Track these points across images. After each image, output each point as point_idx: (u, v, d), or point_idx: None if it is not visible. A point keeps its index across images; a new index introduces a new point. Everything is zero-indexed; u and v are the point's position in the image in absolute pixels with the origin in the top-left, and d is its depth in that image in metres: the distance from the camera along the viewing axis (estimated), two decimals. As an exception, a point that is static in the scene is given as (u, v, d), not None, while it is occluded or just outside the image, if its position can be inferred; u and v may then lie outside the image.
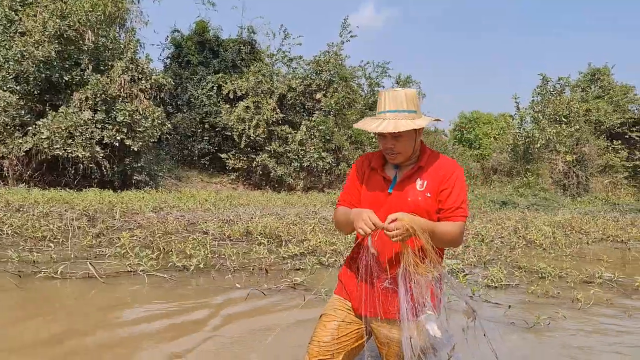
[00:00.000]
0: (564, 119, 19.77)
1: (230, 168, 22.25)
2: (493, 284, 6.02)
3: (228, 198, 15.08)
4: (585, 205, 18.06)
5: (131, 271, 5.79)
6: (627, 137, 24.74)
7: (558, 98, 20.27)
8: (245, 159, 22.04)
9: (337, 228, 2.76)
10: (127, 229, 8.81)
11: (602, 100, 25.30)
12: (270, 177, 21.63)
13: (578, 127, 20.15)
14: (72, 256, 6.35)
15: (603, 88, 26.13)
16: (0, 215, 8.77)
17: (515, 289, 6.05)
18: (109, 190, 15.39)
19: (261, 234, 8.50)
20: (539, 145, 19.45)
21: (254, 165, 21.77)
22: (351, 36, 23.06)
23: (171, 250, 6.95)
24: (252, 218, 10.61)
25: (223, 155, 22.20)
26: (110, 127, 16.05)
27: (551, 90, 20.62)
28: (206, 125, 22.53)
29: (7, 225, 7.93)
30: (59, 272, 5.37)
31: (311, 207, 14.05)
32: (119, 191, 15.49)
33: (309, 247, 7.60)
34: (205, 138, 22.68)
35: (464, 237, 9.71)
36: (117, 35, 18.26)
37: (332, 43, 23.15)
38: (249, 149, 21.93)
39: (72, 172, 16.12)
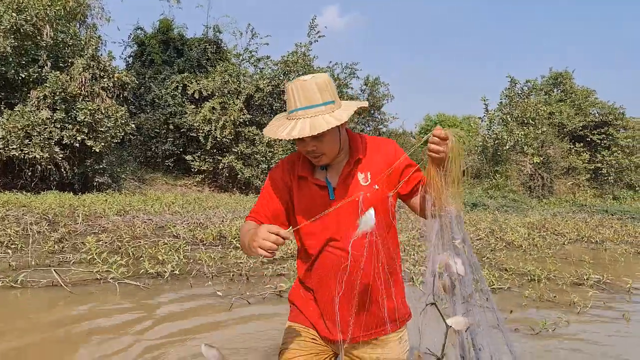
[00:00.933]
0: (531, 122, 19.95)
1: (196, 170, 21.59)
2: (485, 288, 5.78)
3: (196, 201, 14.55)
4: (552, 207, 18.22)
5: (100, 279, 5.32)
6: (589, 139, 25.23)
7: (525, 100, 20.46)
8: (211, 160, 21.43)
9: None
10: (92, 233, 8.26)
11: (564, 104, 25.75)
12: (238, 179, 21.12)
13: (544, 129, 20.36)
14: (32, 263, 5.82)
15: (565, 92, 26.60)
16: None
17: (509, 293, 5.83)
18: (69, 193, 14.65)
19: (236, 237, 8.08)
20: (507, 147, 19.55)
21: (220, 167, 21.20)
22: (319, 36, 22.81)
23: (142, 256, 6.48)
24: (223, 221, 10.17)
25: (188, 157, 21.54)
26: (70, 126, 15.28)
27: (519, 92, 20.82)
28: (171, 126, 21.81)
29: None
30: (19, 281, 4.86)
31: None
32: (79, 194, 14.77)
33: (288, 252, 7.24)
34: (169, 139, 21.94)
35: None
36: (78, 31, 17.50)
37: (300, 43, 22.85)
38: (215, 151, 21.35)
39: (29, 174, 15.28)
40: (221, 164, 21.05)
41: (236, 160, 20.88)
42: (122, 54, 26.32)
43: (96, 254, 6.06)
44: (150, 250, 6.81)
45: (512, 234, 10.26)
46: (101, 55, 16.99)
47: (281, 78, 22.11)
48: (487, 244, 9.25)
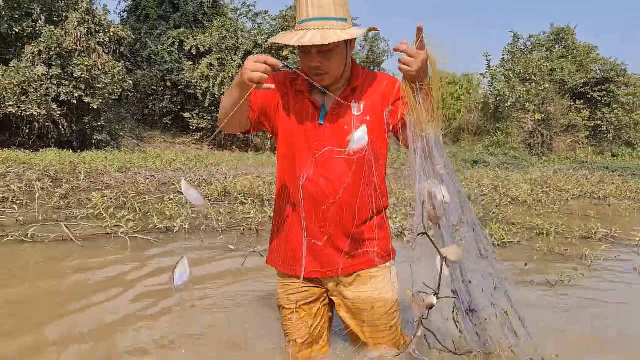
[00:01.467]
0: (533, 78, 19.72)
1: (194, 128, 21.40)
2: (496, 242, 5.77)
3: (197, 158, 14.45)
4: (552, 164, 18.20)
5: (110, 233, 5.27)
6: (589, 96, 25.03)
7: (528, 56, 20.18)
8: (209, 118, 21.20)
9: (221, 118, 2.20)
10: (95, 189, 8.18)
11: (566, 60, 25.42)
12: (237, 137, 20.96)
13: (546, 86, 20.16)
14: (40, 218, 5.77)
15: (567, 48, 26.21)
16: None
17: (519, 246, 5.83)
18: (67, 150, 14.50)
19: (241, 193, 8.03)
20: (509, 103, 19.40)
21: (218, 125, 21.00)
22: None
23: (148, 212, 6.44)
24: (226, 178, 10.11)
25: (186, 115, 21.31)
26: (66, 83, 15.01)
27: (522, 48, 20.51)
28: (168, 83, 21.47)
29: (-40, 186, 7.21)
30: (29, 235, 4.82)
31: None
32: (78, 152, 14.63)
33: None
34: (167, 96, 21.65)
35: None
36: (71, -17, 17.00)
37: (299, -3, 22.32)
38: (213, 108, 21.08)
39: (27, 131, 15.09)
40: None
41: (235, 118, 20.68)
42: (117, 8, 25.64)
43: (103, 209, 6.01)
44: (156, 205, 6.76)
45: (516, 190, 10.25)
46: (96, 9, 16.55)
47: (279, 33, 21.69)
48: (491, 200, 9.23)
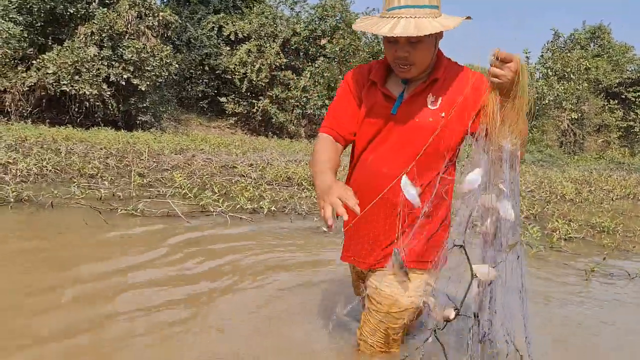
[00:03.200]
0: (572, 76, 19.81)
1: (230, 112, 21.75)
2: (562, 236, 6.04)
3: (242, 142, 14.81)
4: (588, 163, 18.32)
5: (203, 211, 5.64)
6: (623, 97, 24.95)
7: (568, 54, 20.25)
8: (245, 103, 21.55)
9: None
10: (162, 170, 8.57)
11: (601, 59, 25.31)
12: (272, 123, 21.28)
13: (586, 85, 20.23)
14: (133, 194, 6.15)
15: (602, 47, 26.10)
16: (34, 151, 8.44)
17: (585, 242, 6.10)
18: (112, 129, 14.92)
19: (305, 179, 8.36)
20: (546, 101, 19.51)
21: (254, 111, 21.34)
22: (357, -19, 22.42)
23: (227, 192, 6.79)
24: (279, 163, 10.43)
25: (222, 99, 21.67)
26: (116, 64, 15.43)
27: (562, 46, 20.58)
28: (206, 68, 21.86)
29: (44, 161, 7.60)
30: (138, 210, 5.19)
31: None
32: (124, 131, 15.05)
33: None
34: (204, 81, 22.05)
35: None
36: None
37: (338, -13, 22.47)
38: (249, 94, 21.44)
39: (75, 109, 15.55)
40: (255, 107, 21.17)
41: (270, 105, 20.99)
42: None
43: (187, 189, 6.38)
44: (233, 187, 7.11)
45: (562, 188, 10.46)
46: (147, -7, 16.89)
47: (317, 22, 21.90)
48: (540, 197, 9.47)
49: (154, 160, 9.60)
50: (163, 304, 2.98)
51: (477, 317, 1.98)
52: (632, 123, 24.59)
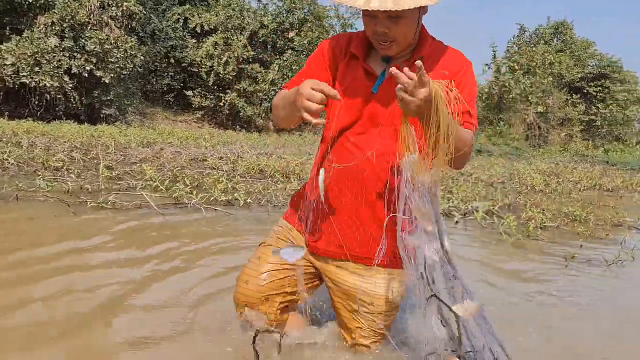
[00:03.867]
0: (537, 70, 20.17)
1: (196, 106, 21.41)
2: (539, 225, 6.07)
3: (211, 136, 14.55)
4: (553, 155, 18.67)
5: (176, 203, 5.45)
6: (585, 91, 25.54)
7: (533, 49, 20.62)
8: (212, 97, 21.25)
9: (275, 120, 2.08)
10: (131, 163, 8.31)
11: (564, 54, 25.85)
12: (239, 117, 21.04)
13: (550, 79, 20.64)
14: (102, 187, 5.91)
15: (565, 42, 26.67)
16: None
17: (559, 230, 6.14)
18: (74, 123, 14.46)
19: (277, 171, 8.22)
20: (513, 95, 19.82)
21: (221, 104, 21.05)
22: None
23: (199, 185, 6.61)
24: (250, 156, 10.26)
25: (189, 93, 21.32)
26: (78, 56, 14.96)
27: (527, 40, 20.93)
28: (171, 60, 21.44)
29: (5, 154, 7.25)
30: (109, 202, 4.97)
31: (300, 147, 13.79)
32: (88, 124, 14.61)
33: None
34: (169, 74, 21.62)
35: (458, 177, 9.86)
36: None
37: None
38: (216, 87, 21.14)
39: (35, 102, 15.02)
40: (222, 101, 20.89)
41: (238, 98, 20.74)
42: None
43: (159, 181, 6.17)
44: (205, 179, 6.93)
45: (531, 179, 10.58)
46: (109, -18, 16.42)
47: (285, 15, 21.72)
48: (511, 188, 9.55)
49: (121, 153, 9.31)
50: (94, 287, 2.88)
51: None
52: (593, 117, 25.20)
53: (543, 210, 7.28)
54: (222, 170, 8.04)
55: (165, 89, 21.78)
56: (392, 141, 1.85)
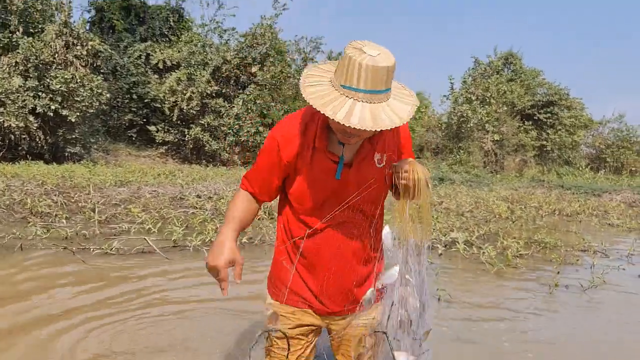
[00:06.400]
0: (492, 100, 21.11)
1: (160, 141, 21.37)
2: (515, 254, 6.48)
3: (182, 173, 14.61)
4: (512, 181, 19.47)
5: (176, 246, 5.60)
6: (536, 118, 26.74)
7: (488, 80, 21.60)
8: (175, 132, 21.27)
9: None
10: (114, 204, 8.36)
11: (515, 83, 27.07)
12: (205, 151, 21.10)
13: (505, 108, 21.60)
14: (97, 232, 6.00)
15: (515, 71, 27.94)
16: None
17: (533, 258, 6.57)
18: (38, 163, 14.27)
19: (263, 209, 8.42)
20: (471, 124, 20.64)
21: (185, 139, 21.09)
22: (284, 9, 22.83)
23: (189, 226, 6.75)
24: (227, 193, 10.42)
25: (152, 128, 21.28)
26: (43, 95, 14.85)
27: (482, 72, 21.95)
28: (133, 96, 21.42)
29: (-13, 201, 7.22)
30: (112, 248, 5.09)
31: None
32: (53, 164, 14.44)
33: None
34: (132, 109, 21.58)
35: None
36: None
37: (265, 16, 22.81)
38: (179, 122, 21.18)
39: (-1, 143, 14.77)
40: (186, 135, 20.94)
41: (202, 132, 20.83)
42: (79, 19, 25.18)
43: (152, 224, 6.31)
44: (193, 220, 7.07)
45: (496, 207, 11.10)
46: (74, 22, 16.44)
47: (247, 50, 22.07)
48: (481, 217, 10.02)
49: (100, 194, 9.34)
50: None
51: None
52: (544, 142, 26.35)
53: (516, 239, 7.75)
54: (206, 209, 8.20)
55: (127, 124, 21.68)
56: (368, 220, 1.97)
